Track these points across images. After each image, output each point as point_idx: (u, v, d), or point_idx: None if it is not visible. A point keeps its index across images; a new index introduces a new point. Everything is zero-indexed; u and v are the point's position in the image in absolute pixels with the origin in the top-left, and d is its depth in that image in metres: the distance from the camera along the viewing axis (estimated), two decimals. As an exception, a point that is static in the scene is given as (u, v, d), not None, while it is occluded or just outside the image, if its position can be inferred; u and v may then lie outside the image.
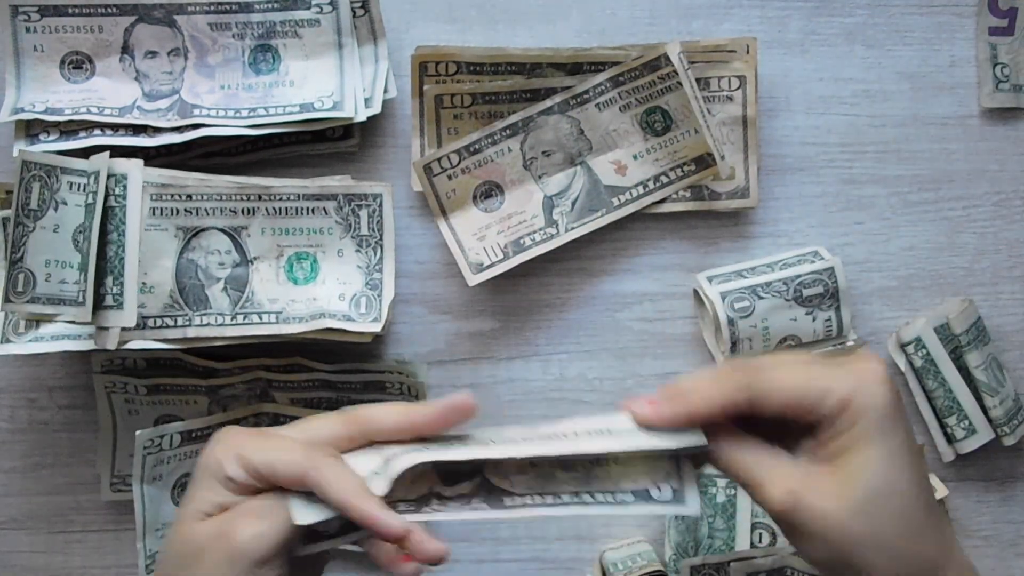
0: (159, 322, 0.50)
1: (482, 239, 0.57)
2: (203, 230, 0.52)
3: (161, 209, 0.50)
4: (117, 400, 0.55)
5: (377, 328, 0.53)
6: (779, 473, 0.38)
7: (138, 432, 0.51)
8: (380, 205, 0.54)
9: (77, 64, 0.54)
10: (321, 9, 0.55)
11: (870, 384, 0.37)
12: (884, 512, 0.36)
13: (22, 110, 0.53)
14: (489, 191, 0.57)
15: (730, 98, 0.57)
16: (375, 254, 0.54)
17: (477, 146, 0.56)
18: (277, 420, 0.57)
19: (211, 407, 0.56)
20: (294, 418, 0.56)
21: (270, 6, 0.54)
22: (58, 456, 0.58)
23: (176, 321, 0.51)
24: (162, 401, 0.56)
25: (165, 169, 0.51)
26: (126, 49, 0.55)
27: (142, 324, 0.49)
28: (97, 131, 0.53)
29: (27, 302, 0.48)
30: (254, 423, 0.56)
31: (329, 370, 0.55)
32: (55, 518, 0.58)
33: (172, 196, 0.50)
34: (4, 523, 0.58)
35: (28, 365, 0.57)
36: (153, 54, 0.55)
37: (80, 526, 0.58)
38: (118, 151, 0.51)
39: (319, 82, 0.55)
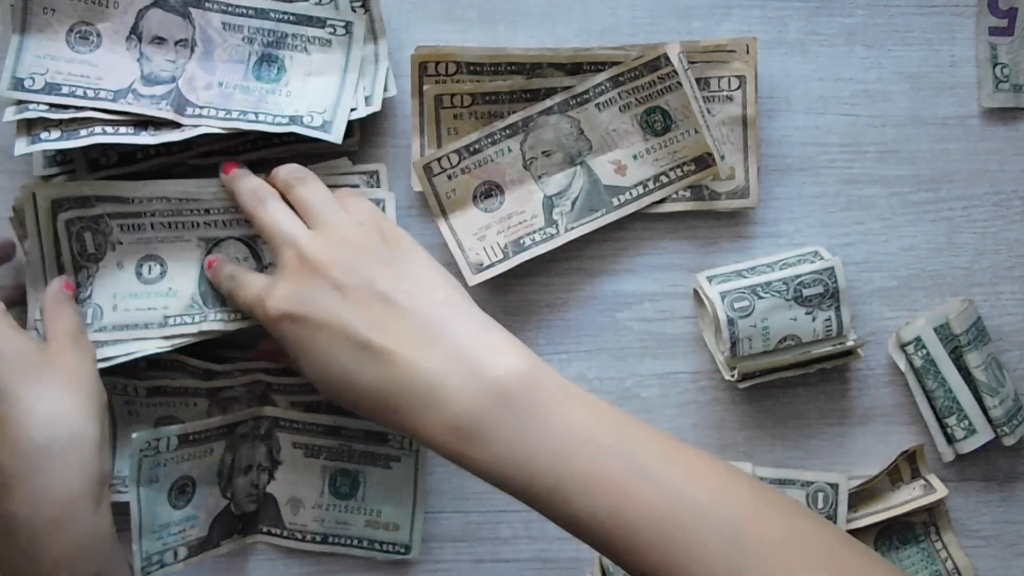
0: (178, 320, 0.54)
1: (482, 239, 0.56)
2: (223, 240, 0.54)
3: (182, 223, 0.54)
4: (117, 401, 0.55)
5: None
6: (250, 282, 0.50)
7: (134, 434, 0.51)
8: (383, 209, 0.55)
9: (84, 35, 0.54)
10: (335, 31, 0.55)
11: (266, 324, 0.48)
12: (341, 402, 0.47)
13: (21, 82, 0.53)
14: (489, 191, 0.57)
15: (730, 98, 0.57)
16: None
17: (477, 146, 0.56)
18: (276, 423, 0.57)
19: (211, 409, 0.56)
20: (293, 421, 0.56)
21: (285, 17, 0.55)
22: (57, 456, 0.58)
23: (193, 319, 0.54)
24: (162, 403, 0.56)
25: (188, 179, 0.54)
26: (135, 30, 0.55)
27: (163, 322, 0.53)
28: (98, 129, 0.53)
29: (96, 332, 0.53)
30: (253, 425, 0.56)
31: (329, 371, 0.55)
32: (54, 519, 0.58)
33: (192, 211, 0.54)
34: (3, 524, 0.58)
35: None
36: (160, 41, 0.55)
37: (79, 527, 0.58)
38: (120, 149, 0.52)
39: (315, 98, 0.55)
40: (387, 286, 0.45)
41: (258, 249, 0.55)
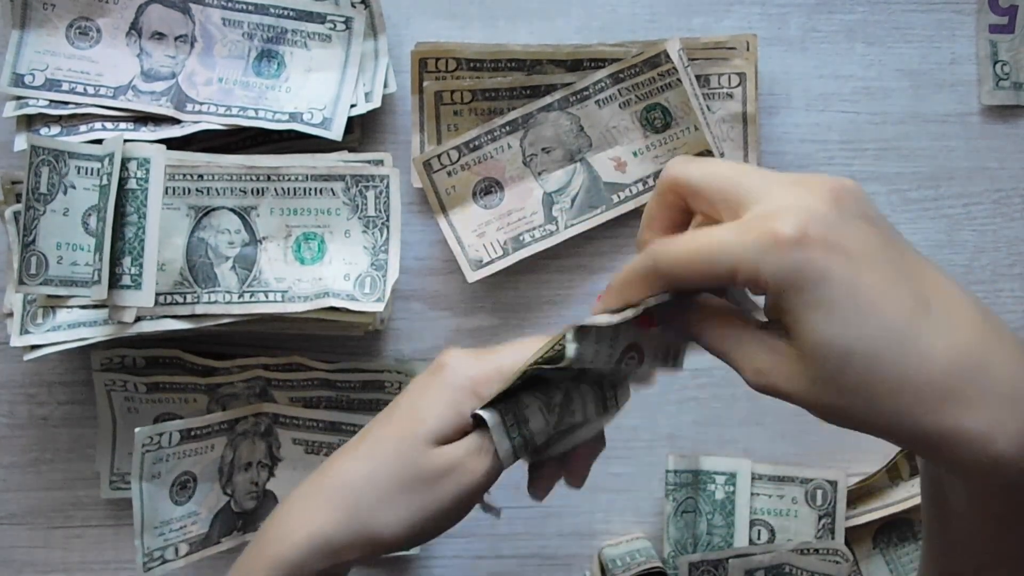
0: (169, 299, 0.51)
1: (482, 236, 0.57)
2: (214, 210, 0.52)
3: (173, 188, 0.51)
4: (117, 398, 0.55)
5: (379, 308, 0.53)
6: (745, 352, 0.34)
7: (137, 429, 0.51)
8: (387, 186, 0.54)
9: (84, 31, 0.54)
10: (335, 26, 0.55)
11: (771, 254, 0.30)
12: (851, 383, 0.32)
13: (21, 79, 0.53)
14: (489, 188, 0.57)
15: (730, 95, 0.57)
16: (381, 235, 0.54)
17: (477, 143, 0.56)
18: (277, 419, 0.57)
19: (210, 406, 0.56)
20: (294, 418, 0.56)
21: (285, 12, 0.55)
22: (57, 452, 0.58)
23: (185, 298, 0.52)
24: (161, 399, 0.56)
25: (175, 151, 0.51)
26: (135, 26, 0.55)
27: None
28: (98, 124, 0.53)
29: (40, 284, 0.49)
30: (254, 422, 0.56)
31: (328, 369, 0.55)
32: (54, 513, 0.58)
33: (184, 176, 0.51)
34: (3, 518, 0.58)
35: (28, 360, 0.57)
36: (160, 36, 0.55)
37: (79, 521, 0.58)
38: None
39: (314, 94, 0.55)
40: None
41: (250, 221, 0.53)
